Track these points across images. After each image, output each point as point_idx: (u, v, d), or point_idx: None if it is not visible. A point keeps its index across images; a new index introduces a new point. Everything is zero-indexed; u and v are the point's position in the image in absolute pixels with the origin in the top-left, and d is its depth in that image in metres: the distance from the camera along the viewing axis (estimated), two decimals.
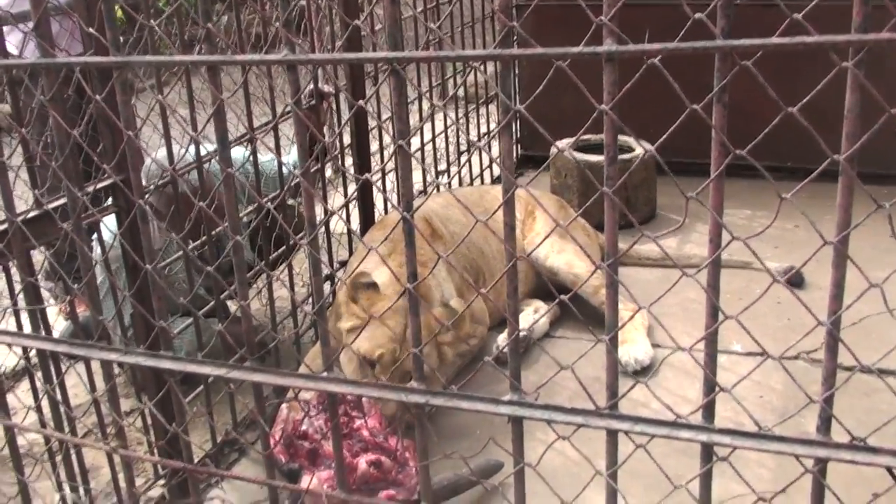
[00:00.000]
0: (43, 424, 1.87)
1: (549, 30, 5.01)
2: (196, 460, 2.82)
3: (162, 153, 2.86)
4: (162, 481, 2.80)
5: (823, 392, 1.31)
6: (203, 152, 2.80)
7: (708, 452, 1.41)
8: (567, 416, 1.43)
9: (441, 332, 3.18)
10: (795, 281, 4.06)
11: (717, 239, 1.33)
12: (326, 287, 3.87)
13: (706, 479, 1.44)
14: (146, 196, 1.59)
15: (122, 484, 2.62)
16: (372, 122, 4.28)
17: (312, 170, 3.28)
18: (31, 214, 2.07)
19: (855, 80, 1.13)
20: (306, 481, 2.59)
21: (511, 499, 1.55)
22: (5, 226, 1.89)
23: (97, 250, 2.58)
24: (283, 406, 2.85)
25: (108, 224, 2.70)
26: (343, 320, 3.20)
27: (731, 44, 1.17)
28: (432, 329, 3.00)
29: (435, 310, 3.22)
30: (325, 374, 1.53)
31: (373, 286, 3.15)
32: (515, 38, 4.20)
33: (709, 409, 1.40)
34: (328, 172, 4.97)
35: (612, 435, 1.45)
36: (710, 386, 1.39)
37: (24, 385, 3.65)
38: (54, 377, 1.91)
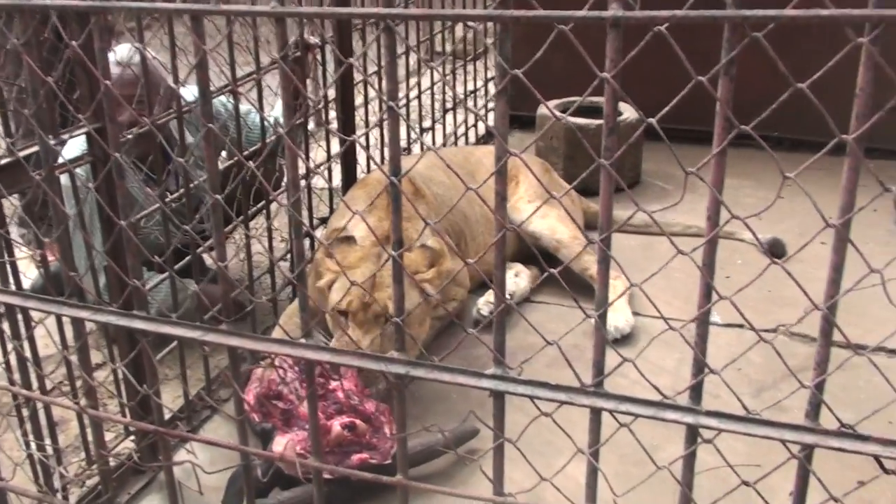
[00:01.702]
0: (11, 382, 1.81)
1: None
2: (167, 417, 2.78)
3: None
4: (132, 437, 2.75)
5: (815, 378, 1.28)
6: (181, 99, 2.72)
7: (693, 434, 1.38)
8: (551, 393, 1.40)
9: (421, 271, 3.14)
10: (777, 252, 4.05)
11: (716, 217, 1.29)
12: (306, 244, 3.81)
13: (689, 461, 1.41)
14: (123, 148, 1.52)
15: (91, 439, 2.57)
16: (358, 77, 4.19)
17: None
18: (3, 162, 2.00)
19: (870, 57, 1.08)
20: (279, 442, 2.56)
21: (486, 468, 1.52)
22: None
23: (64, 180, 2.47)
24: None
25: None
26: (322, 278, 3.16)
27: (742, 14, 1.12)
28: (412, 268, 3.06)
29: (413, 252, 3.15)
30: (303, 340, 1.48)
31: (348, 240, 3.12)
32: None
33: (696, 391, 1.36)
34: (310, 126, 4.88)
35: (596, 413, 1.41)
36: (700, 367, 1.35)
37: None
38: (23, 332, 1.84)
